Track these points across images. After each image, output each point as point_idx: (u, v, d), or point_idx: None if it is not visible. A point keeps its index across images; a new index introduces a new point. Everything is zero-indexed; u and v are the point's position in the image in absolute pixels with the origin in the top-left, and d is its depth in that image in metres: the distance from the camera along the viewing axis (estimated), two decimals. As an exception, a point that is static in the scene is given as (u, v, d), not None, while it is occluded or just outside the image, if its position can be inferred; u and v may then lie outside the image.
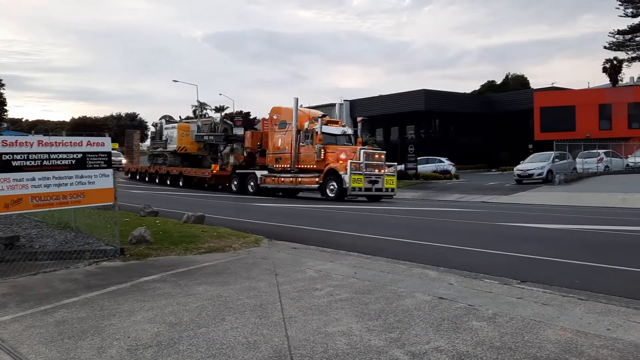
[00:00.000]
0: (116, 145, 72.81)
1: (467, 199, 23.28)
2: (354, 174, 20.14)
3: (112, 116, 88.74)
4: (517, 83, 68.38)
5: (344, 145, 22.43)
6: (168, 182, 32.72)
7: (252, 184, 25.27)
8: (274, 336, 4.04)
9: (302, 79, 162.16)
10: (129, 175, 39.56)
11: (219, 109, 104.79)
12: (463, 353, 3.67)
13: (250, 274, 6.38)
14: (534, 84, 71.79)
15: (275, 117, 24.47)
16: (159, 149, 35.04)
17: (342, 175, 20.26)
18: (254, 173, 25.00)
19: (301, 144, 22.58)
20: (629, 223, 12.53)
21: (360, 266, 6.91)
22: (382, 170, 21.27)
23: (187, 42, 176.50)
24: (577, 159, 30.62)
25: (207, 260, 7.32)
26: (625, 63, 67.89)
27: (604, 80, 70.08)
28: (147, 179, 35.75)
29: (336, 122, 23.87)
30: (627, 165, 36.86)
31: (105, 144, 7.45)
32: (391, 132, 56.36)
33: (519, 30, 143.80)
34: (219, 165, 28.44)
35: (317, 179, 21.56)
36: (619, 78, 69.31)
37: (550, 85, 58.32)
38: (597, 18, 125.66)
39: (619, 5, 63.00)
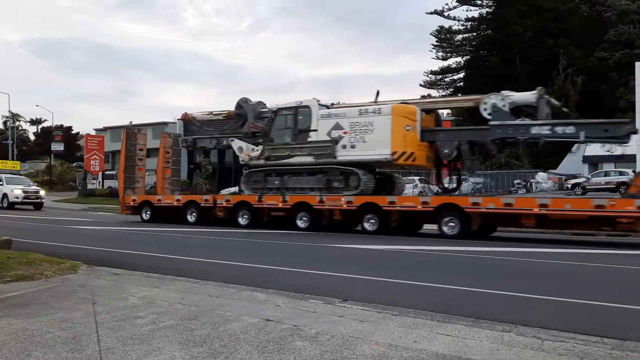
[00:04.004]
0: (17, 166, 43.77)
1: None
2: None
3: None
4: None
5: None
6: (385, 226, 15.90)
7: None
8: (88, 371, 3.74)
9: (132, 95, 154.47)
10: (147, 214, 20.93)
11: (35, 122, 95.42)
12: (285, 373, 3.75)
13: (64, 304, 5.84)
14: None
15: None
16: (295, 158, 17.86)
17: None
18: None
19: None
20: (440, 243, 13.92)
21: (188, 291, 6.73)
22: None
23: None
24: None
25: (12, 290, 6.54)
26: (437, 100, 76.18)
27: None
28: (245, 220, 18.28)
29: None
30: (437, 191, 41.10)
31: None
32: (226, 154, 56.18)
33: (347, 63, 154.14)
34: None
35: None
36: (432, 113, 77.30)
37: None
38: (414, 58, 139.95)
39: (432, 48, 71.21)
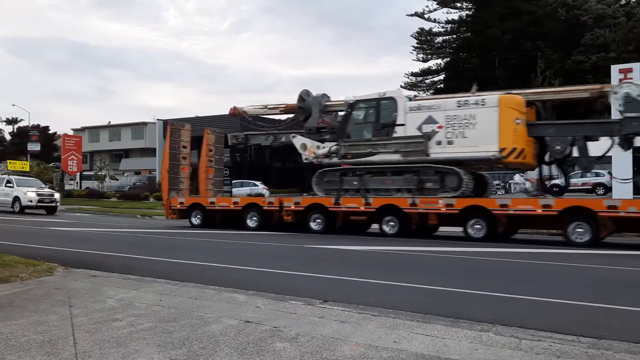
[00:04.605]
0: (26, 166, 40.43)
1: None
2: None
3: None
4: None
5: None
6: None
7: None
8: (63, 375, 3.68)
9: (110, 94, 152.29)
10: (198, 219, 18.77)
11: (11, 121, 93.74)
12: (265, 375, 3.73)
13: (40, 307, 5.74)
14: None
15: None
16: (377, 156, 15.91)
17: None
18: None
19: None
20: (414, 244, 13.99)
21: (167, 293, 6.67)
22: None
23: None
24: None
25: (-14, 293, 6.41)
26: (418, 101, 76.64)
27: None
28: (318, 225, 16.47)
29: None
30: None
31: None
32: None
33: (329, 64, 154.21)
34: None
35: None
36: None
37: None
38: (395, 60, 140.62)
39: (413, 50, 71.67)
